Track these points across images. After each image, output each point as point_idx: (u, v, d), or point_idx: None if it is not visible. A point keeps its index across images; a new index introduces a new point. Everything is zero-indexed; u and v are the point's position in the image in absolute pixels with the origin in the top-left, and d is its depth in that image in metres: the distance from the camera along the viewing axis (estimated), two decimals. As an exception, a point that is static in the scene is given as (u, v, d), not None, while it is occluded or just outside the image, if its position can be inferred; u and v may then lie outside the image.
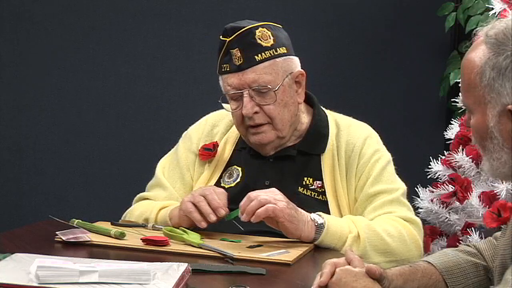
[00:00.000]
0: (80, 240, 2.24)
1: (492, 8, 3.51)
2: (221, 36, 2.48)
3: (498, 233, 1.87)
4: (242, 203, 2.28)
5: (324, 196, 2.47)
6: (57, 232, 2.26)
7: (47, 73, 3.96)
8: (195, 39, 4.03)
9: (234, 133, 2.61)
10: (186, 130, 2.69)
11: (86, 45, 3.98)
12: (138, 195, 2.65)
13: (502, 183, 3.13)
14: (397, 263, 2.31)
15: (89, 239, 2.25)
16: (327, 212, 2.42)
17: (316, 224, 2.31)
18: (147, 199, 2.61)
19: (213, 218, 2.32)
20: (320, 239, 2.30)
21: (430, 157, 3.45)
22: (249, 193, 2.29)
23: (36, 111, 3.96)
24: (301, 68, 2.53)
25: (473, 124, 1.68)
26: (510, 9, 3.45)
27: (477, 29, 1.72)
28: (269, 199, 2.26)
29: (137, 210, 2.57)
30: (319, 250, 2.30)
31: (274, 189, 2.32)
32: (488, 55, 1.63)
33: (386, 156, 2.53)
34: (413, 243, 2.38)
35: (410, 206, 2.50)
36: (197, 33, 4.03)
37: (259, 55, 2.44)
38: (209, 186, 2.43)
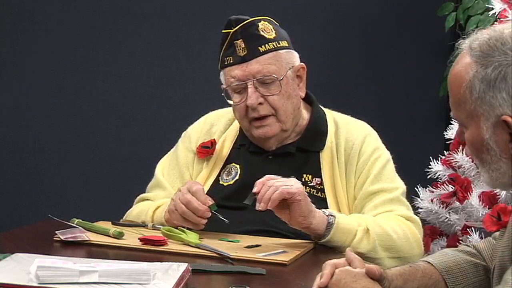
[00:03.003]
0: (79, 239, 2.24)
1: (492, 8, 3.51)
2: (224, 29, 2.49)
3: (497, 233, 1.87)
4: (258, 189, 2.24)
5: (323, 193, 2.47)
6: (56, 232, 2.26)
7: (47, 73, 3.96)
8: (195, 39, 4.04)
9: (233, 131, 2.62)
10: (186, 130, 2.70)
11: (86, 45, 3.98)
12: (139, 196, 2.66)
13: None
14: (400, 260, 2.33)
15: (87, 239, 2.25)
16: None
17: (328, 218, 2.29)
18: (148, 200, 2.62)
19: (204, 222, 2.34)
20: (330, 235, 2.28)
21: (430, 157, 3.46)
22: (266, 179, 2.26)
23: (36, 111, 3.96)
24: (301, 66, 2.54)
25: (468, 137, 1.68)
26: (510, 9, 3.45)
27: (459, 41, 1.72)
28: (285, 182, 2.25)
29: (135, 211, 2.59)
30: (319, 250, 2.30)
31: (292, 178, 2.30)
32: (476, 68, 1.63)
33: (385, 154, 2.53)
34: (415, 241, 2.39)
35: (410, 206, 2.51)
36: (197, 33, 4.03)
37: (263, 46, 2.46)
38: (185, 186, 2.38)
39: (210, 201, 2.34)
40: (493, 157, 1.65)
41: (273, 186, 2.24)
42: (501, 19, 3.44)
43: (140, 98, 4.04)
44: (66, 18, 3.96)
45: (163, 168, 2.65)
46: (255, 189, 2.26)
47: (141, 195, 2.65)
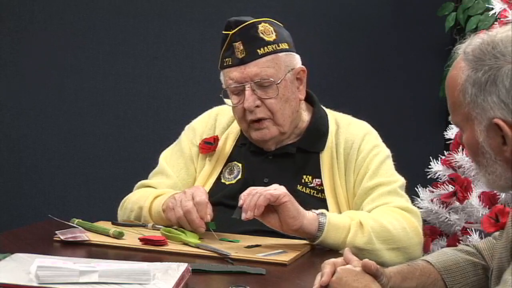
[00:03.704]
0: (79, 239, 2.24)
1: (492, 8, 3.51)
2: (223, 30, 2.48)
3: (497, 233, 1.87)
4: (242, 202, 2.24)
5: (323, 194, 2.47)
6: (56, 232, 2.26)
7: (47, 73, 3.96)
8: (195, 39, 4.04)
9: (235, 129, 2.61)
10: (189, 124, 2.69)
11: (86, 45, 3.98)
12: (139, 182, 2.63)
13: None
14: (399, 250, 2.32)
15: (87, 239, 2.25)
16: (326, 210, 2.41)
17: (319, 217, 2.26)
18: (149, 186, 2.60)
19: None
20: (324, 234, 2.26)
21: (430, 157, 3.45)
22: (249, 191, 2.25)
23: (36, 111, 3.96)
24: (301, 67, 2.54)
25: (465, 141, 1.69)
26: (510, 9, 3.45)
27: (456, 46, 1.73)
28: (268, 188, 2.24)
29: (135, 196, 2.56)
30: (319, 250, 2.30)
31: (274, 184, 2.29)
32: (468, 72, 1.64)
33: (384, 151, 2.53)
34: (413, 231, 2.36)
35: (408, 198, 2.48)
36: (197, 33, 4.03)
37: (262, 48, 2.45)
38: (191, 191, 2.35)
39: (209, 216, 2.31)
40: (489, 160, 1.65)
41: (257, 194, 2.23)
42: (501, 19, 3.44)
43: (140, 98, 4.04)
44: (66, 18, 3.96)
45: (166, 157, 2.64)
46: (240, 202, 2.24)
47: (142, 181, 2.63)
